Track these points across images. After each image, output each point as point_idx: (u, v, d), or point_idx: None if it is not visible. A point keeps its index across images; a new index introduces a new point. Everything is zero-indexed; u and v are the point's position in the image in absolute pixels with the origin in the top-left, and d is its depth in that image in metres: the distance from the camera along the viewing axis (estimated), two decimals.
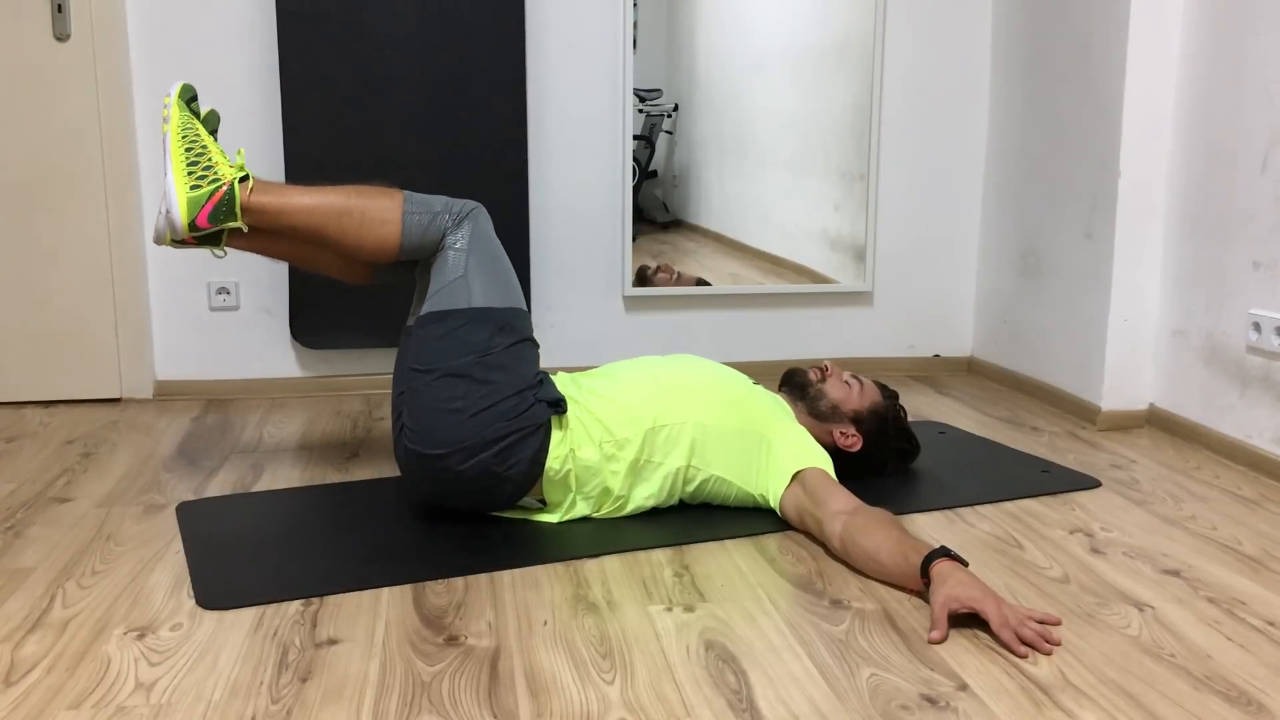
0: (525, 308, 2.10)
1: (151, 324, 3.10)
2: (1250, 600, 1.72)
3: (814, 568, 1.84)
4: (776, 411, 2.09)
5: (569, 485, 1.99)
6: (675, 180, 3.30)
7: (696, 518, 2.05)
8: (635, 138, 3.25)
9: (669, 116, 3.26)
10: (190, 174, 2.01)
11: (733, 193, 3.32)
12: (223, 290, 3.12)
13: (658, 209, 3.31)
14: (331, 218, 2.03)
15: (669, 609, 1.67)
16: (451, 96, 3.04)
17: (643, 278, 3.31)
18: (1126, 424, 2.80)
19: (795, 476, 1.97)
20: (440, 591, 1.73)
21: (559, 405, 1.97)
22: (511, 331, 2.01)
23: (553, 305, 3.29)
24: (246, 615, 1.64)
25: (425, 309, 2.03)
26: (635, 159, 3.26)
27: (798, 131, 3.31)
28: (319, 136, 2.99)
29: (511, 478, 1.94)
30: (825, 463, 2.00)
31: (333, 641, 1.55)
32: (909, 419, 2.34)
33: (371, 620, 1.62)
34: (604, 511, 2.04)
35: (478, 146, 3.07)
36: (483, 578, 1.79)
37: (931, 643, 1.55)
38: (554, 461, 1.96)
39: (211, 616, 1.64)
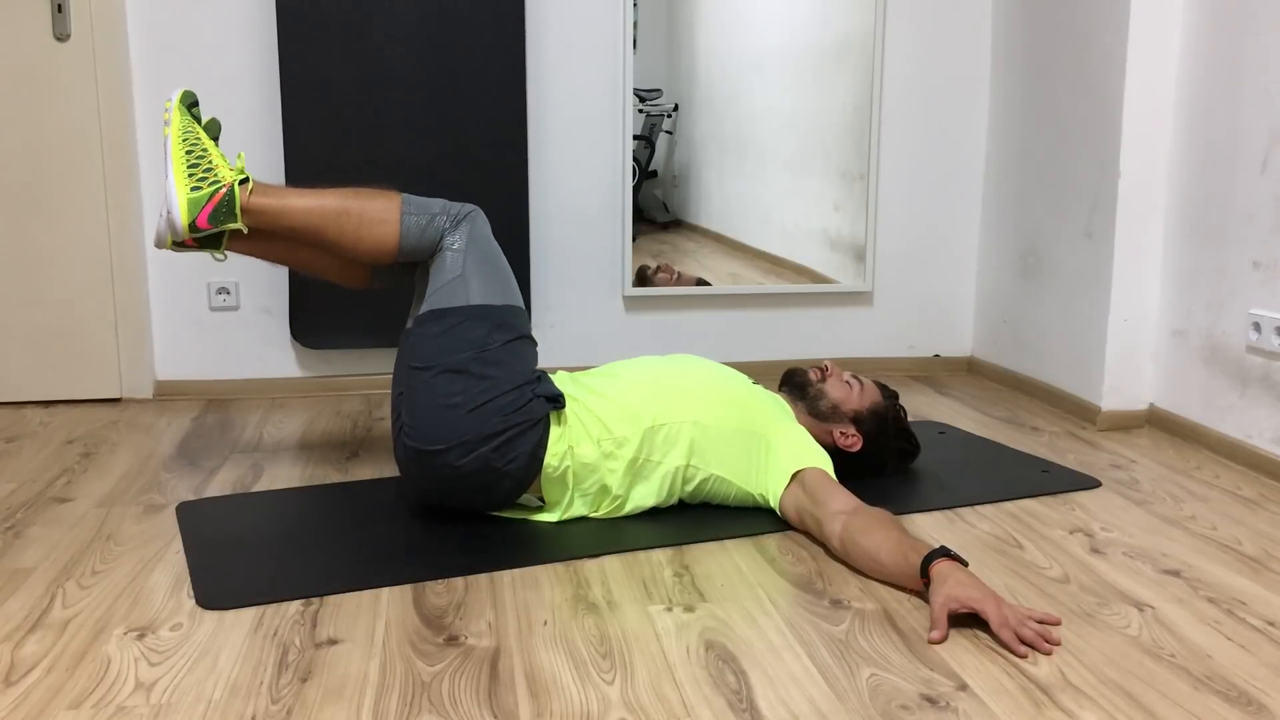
0: (523, 306, 2.10)
1: (151, 324, 3.10)
2: (1250, 600, 1.72)
3: (814, 568, 1.84)
4: (776, 411, 2.09)
5: (567, 483, 1.99)
6: (675, 180, 3.30)
7: (696, 518, 2.05)
8: (635, 138, 3.25)
9: (669, 116, 3.26)
10: (191, 176, 2.03)
11: (733, 193, 3.32)
12: (223, 290, 3.12)
13: (658, 209, 3.31)
14: (330, 218, 2.05)
15: (669, 609, 1.67)
16: (451, 96, 3.04)
17: (643, 278, 3.31)
18: (1126, 424, 2.80)
19: (795, 476, 1.97)
20: (440, 591, 1.73)
21: (557, 401, 1.98)
22: (509, 328, 2.02)
23: (553, 305, 3.29)
24: (246, 615, 1.64)
25: (423, 308, 2.05)
26: (635, 159, 3.26)
27: (798, 131, 3.31)
28: (319, 137, 2.99)
29: (510, 473, 1.94)
30: (825, 463, 2.00)
31: (333, 641, 1.55)
32: (909, 419, 2.34)
33: (371, 620, 1.62)
34: (602, 511, 2.04)
35: (478, 146, 3.07)
36: (483, 578, 1.79)
37: (931, 643, 1.55)
38: (552, 458, 1.96)
39: (211, 616, 1.64)
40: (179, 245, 2.09)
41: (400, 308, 2.26)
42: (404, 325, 2.12)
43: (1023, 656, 1.51)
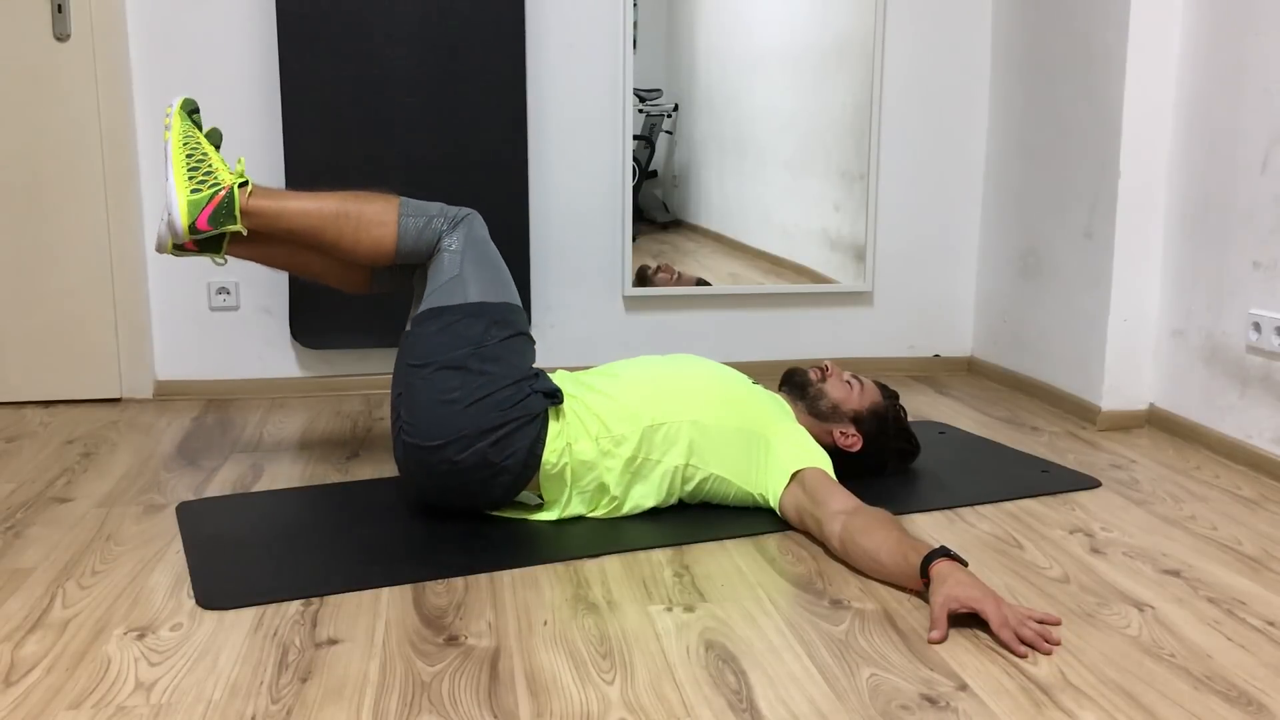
0: (520, 305, 2.11)
1: (151, 324, 3.10)
2: (1250, 600, 1.72)
3: (814, 568, 1.84)
4: (776, 411, 2.09)
5: (565, 480, 1.99)
6: (675, 180, 3.30)
7: (696, 518, 2.05)
8: (635, 138, 3.25)
9: (669, 116, 3.26)
10: (191, 178, 2.05)
11: (733, 193, 3.32)
12: (223, 290, 3.12)
13: (658, 209, 3.31)
14: (329, 220, 2.08)
15: (669, 609, 1.67)
16: (451, 97, 3.04)
17: (643, 278, 3.31)
18: (1126, 424, 2.80)
19: (794, 476, 1.97)
20: (440, 591, 1.73)
21: (555, 396, 1.98)
22: (507, 325, 2.03)
23: (553, 305, 3.29)
24: (246, 615, 1.64)
25: (421, 308, 2.06)
26: (635, 159, 3.26)
27: (798, 131, 3.31)
28: (319, 136, 2.99)
29: (509, 468, 1.94)
30: (824, 463, 2.01)
31: (333, 641, 1.55)
32: (909, 419, 2.34)
33: (371, 620, 1.62)
34: (599, 511, 2.04)
35: (478, 146, 3.07)
36: (483, 578, 1.79)
37: (931, 643, 1.55)
38: (550, 455, 1.96)
39: (211, 616, 1.64)
40: (179, 249, 2.11)
41: (400, 308, 2.26)
42: (403, 327, 2.12)
43: (1023, 656, 1.51)
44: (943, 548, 1.67)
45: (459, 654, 1.52)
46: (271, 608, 1.66)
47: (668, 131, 3.27)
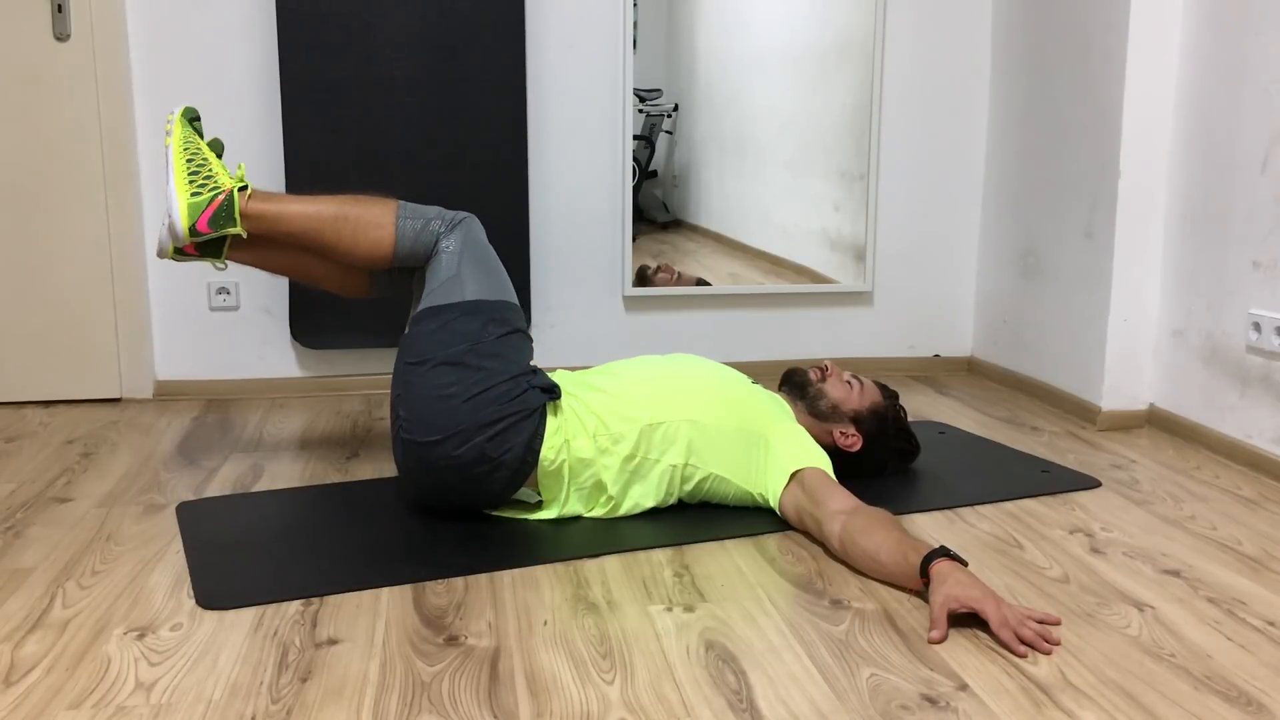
0: (518, 304, 2.12)
1: (151, 324, 3.10)
2: (1250, 600, 1.72)
3: (814, 568, 1.84)
4: (775, 411, 2.09)
5: (562, 476, 2.00)
6: (675, 180, 3.30)
7: (696, 518, 2.05)
8: (635, 138, 3.25)
9: (669, 116, 3.26)
10: (191, 182, 2.07)
11: (733, 193, 3.32)
12: (223, 290, 3.12)
13: (658, 209, 3.31)
14: (327, 223, 2.10)
15: (669, 609, 1.67)
16: (451, 97, 3.04)
17: (643, 278, 3.31)
18: (1126, 424, 2.80)
19: (794, 476, 1.97)
20: (440, 591, 1.73)
21: (553, 391, 1.99)
22: (504, 323, 2.04)
23: (553, 305, 3.29)
24: (246, 615, 1.64)
25: (419, 307, 2.08)
26: (635, 159, 3.26)
27: (798, 131, 3.31)
28: (319, 137, 2.99)
29: (506, 463, 1.94)
30: (824, 462, 2.01)
31: (333, 641, 1.55)
32: (909, 419, 2.34)
33: (371, 620, 1.62)
34: (597, 510, 2.04)
35: (478, 147, 3.07)
36: (483, 578, 1.79)
37: (931, 643, 1.55)
38: (549, 451, 1.96)
39: (211, 616, 1.64)
40: (180, 253, 2.13)
41: (400, 308, 2.26)
42: (403, 328, 2.12)
43: (1022, 656, 1.51)
44: (942, 547, 1.67)
45: (459, 654, 1.52)
46: (271, 608, 1.66)
47: (668, 131, 3.27)
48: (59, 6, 2.87)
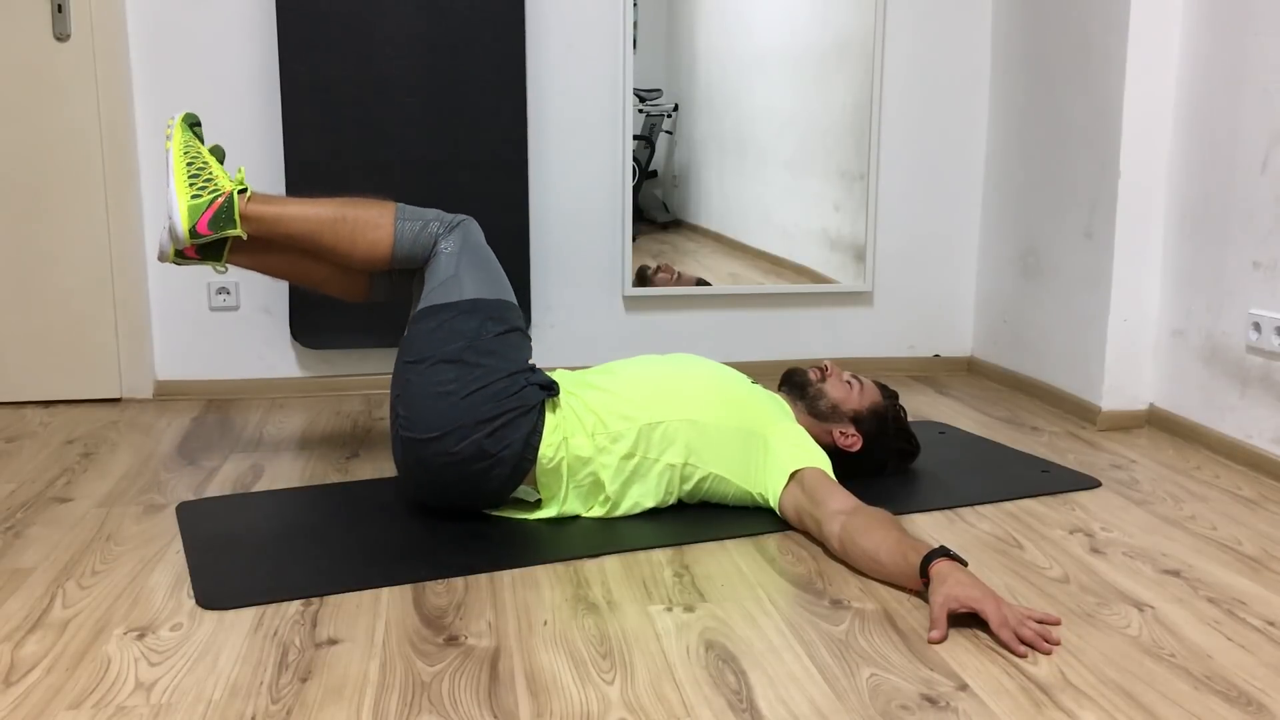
0: (516, 303, 2.13)
1: (151, 324, 3.10)
2: (1250, 600, 1.72)
3: (814, 568, 1.84)
4: (775, 411, 2.09)
5: (561, 474, 2.00)
6: (675, 180, 3.30)
7: (696, 518, 2.05)
8: (635, 138, 3.25)
9: (669, 116, 3.26)
10: (191, 185, 2.09)
11: (733, 193, 3.32)
12: (223, 290, 3.12)
13: (658, 209, 3.31)
14: (326, 225, 2.12)
15: (669, 609, 1.67)
16: (451, 97, 3.04)
17: (643, 278, 3.31)
18: (1126, 424, 2.80)
19: (793, 476, 1.97)
20: (440, 591, 1.73)
21: (550, 388, 2.00)
22: (502, 321, 2.05)
23: (553, 305, 3.30)
24: (246, 615, 1.64)
25: (418, 308, 2.08)
26: (635, 159, 3.26)
27: (798, 131, 3.31)
28: (319, 137, 2.99)
29: (505, 459, 1.94)
30: (823, 462, 2.01)
31: (333, 641, 1.55)
32: (909, 419, 2.34)
33: (371, 620, 1.62)
34: (595, 510, 2.04)
35: (478, 147, 3.07)
36: (483, 578, 1.79)
37: (931, 643, 1.55)
38: (547, 449, 1.97)
39: (211, 616, 1.64)
40: (180, 256, 2.15)
41: (400, 308, 2.26)
42: (403, 328, 2.13)
43: (1022, 656, 1.51)
44: (942, 547, 1.67)
45: (459, 654, 1.52)
46: (271, 608, 1.66)
47: (668, 131, 3.27)
48: (59, 6, 2.87)
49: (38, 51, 2.88)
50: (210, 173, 2.11)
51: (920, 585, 1.67)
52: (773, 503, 2.00)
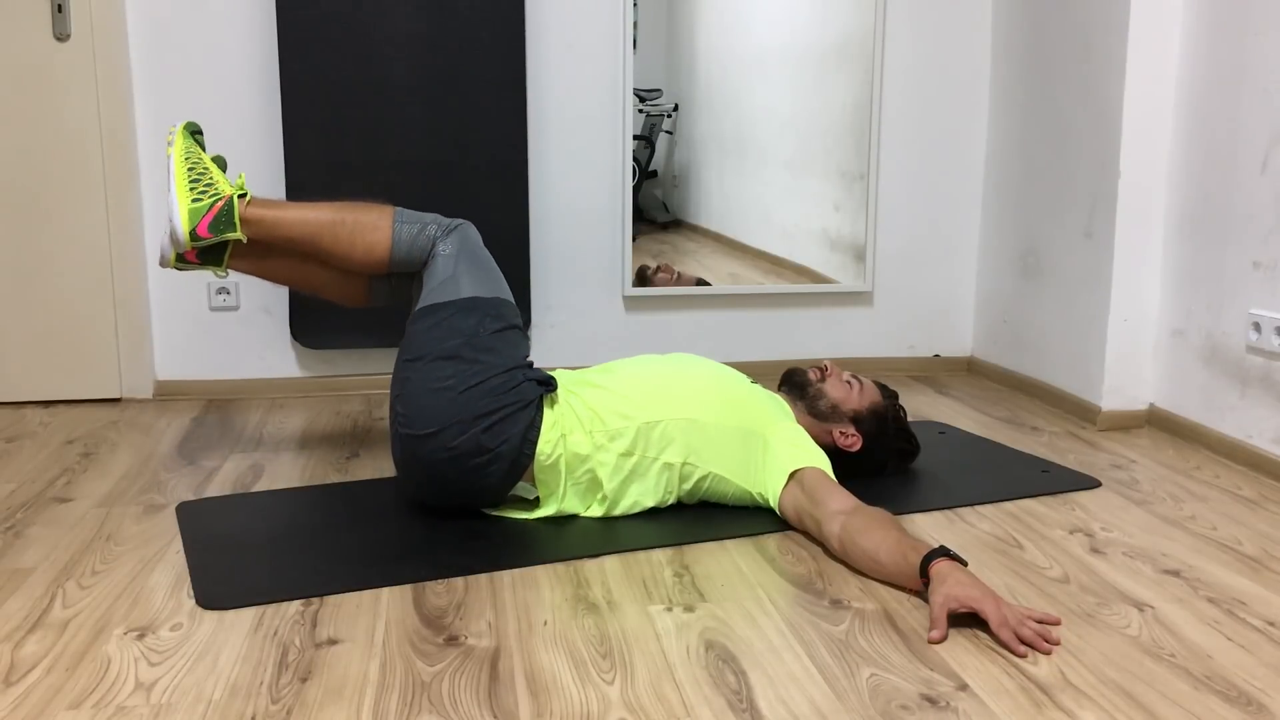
0: (513, 302, 2.14)
1: (151, 324, 3.10)
2: (1250, 600, 1.72)
3: (814, 568, 1.84)
4: (775, 411, 2.09)
5: (559, 471, 2.00)
6: (675, 180, 3.30)
7: (696, 518, 2.05)
8: (635, 138, 3.25)
9: (669, 116, 3.26)
10: (192, 189, 2.13)
11: (733, 193, 3.32)
12: (223, 290, 3.12)
13: (658, 209, 3.31)
14: (325, 228, 2.15)
15: (669, 609, 1.67)
16: (451, 97, 3.04)
17: (643, 278, 3.31)
18: (1126, 424, 2.80)
19: (793, 476, 1.97)
20: (440, 591, 1.73)
21: (548, 384, 2.02)
22: (499, 318, 2.06)
23: (553, 305, 3.29)
24: (246, 615, 1.64)
25: (416, 308, 2.10)
26: (635, 159, 3.26)
27: (798, 131, 3.31)
28: (319, 137, 2.99)
29: (502, 454, 1.94)
30: (823, 462, 2.01)
31: (333, 641, 1.55)
32: (909, 419, 2.34)
33: (371, 620, 1.62)
34: (593, 509, 2.04)
35: (478, 146, 3.07)
36: (483, 578, 1.79)
37: (931, 642, 1.55)
38: (545, 445, 1.97)
39: (211, 616, 1.64)
40: (182, 261, 2.17)
41: (401, 307, 2.26)
42: (403, 329, 2.14)
43: (1022, 656, 1.51)
44: (942, 547, 1.67)
45: (459, 654, 1.52)
46: (271, 608, 1.66)
47: (668, 131, 3.27)
48: (59, 6, 2.87)
49: (38, 51, 2.88)
50: (211, 178, 2.14)
51: (920, 585, 1.67)
52: (772, 503, 2.00)
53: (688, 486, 2.05)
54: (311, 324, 3.10)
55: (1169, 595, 1.74)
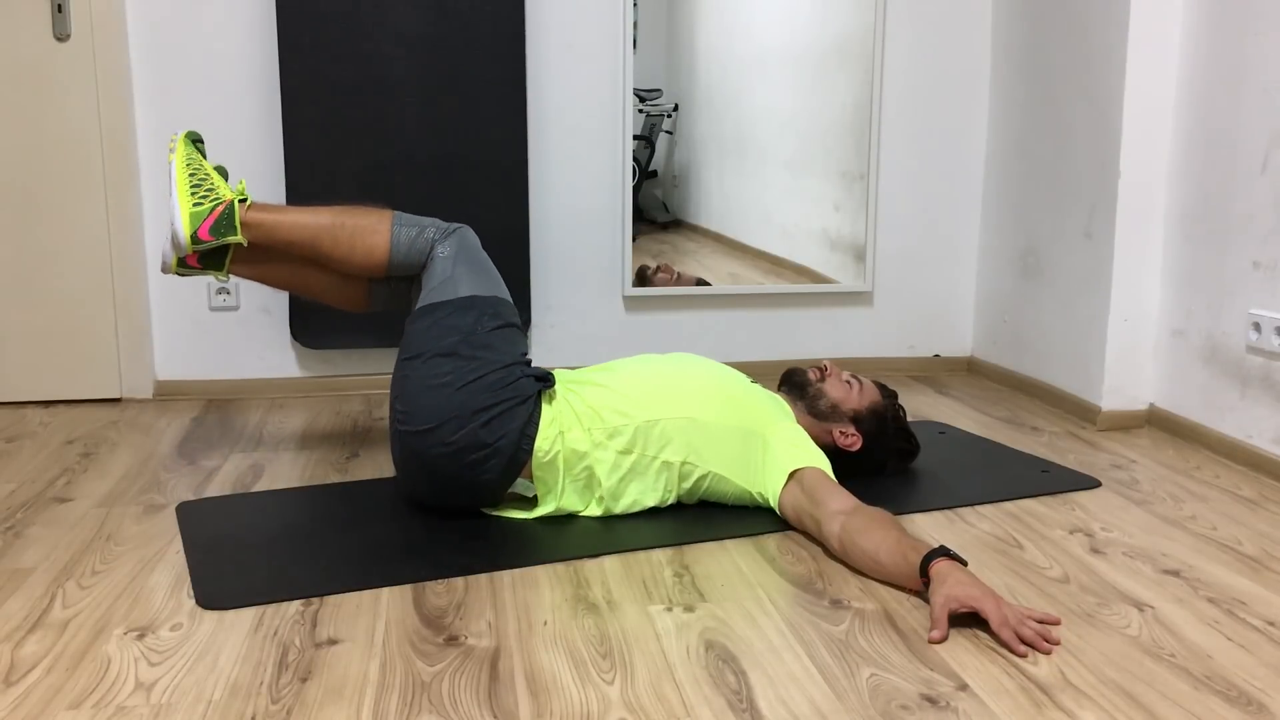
0: (511, 302, 2.15)
1: (151, 324, 3.10)
2: (1250, 600, 1.72)
3: (814, 568, 1.84)
4: (774, 410, 2.09)
5: (557, 467, 2.01)
6: (675, 180, 3.30)
7: (696, 518, 2.05)
8: (635, 138, 3.25)
9: (669, 116, 3.26)
10: (194, 194, 2.15)
11: (733, 193, 3.32)
12: (223, 290, 3.12)
13: (658, 209, 3.31)
14: (325, 231, 2.17)
15: (669, 609, 1.67)
16: (451, 97, 3.04)
17: (643, 278, 3.31)
18: (1126, 424, 2.80)
19: (793, 476, 1.97)
20: (440, 591, 1.73)
21: (546, 380, 2.03)
22: (497, 316, 2.07)
23: (553, 305, 3.29)
24: (246, 615, 1.64)
25: (414, 308, 2.11)
26: (635, 159, 3.26)
27: (798, 131, 3.31)
28: (319, 137, 2.99)
29: (500, 449, 1.94)
30: (823, 462, 2.01)
31: (333, 641, 1.55)
32: (909, 419, 2.34)
33: (371, 620, 1.62)
34: (592, 507, 2.04)
35: (478, 147, 3.07)
36: (483, 578, 1.79)
37: (931, 642, 1.55)
38: (543, 441, 1.97)
39: (211, 616, 1.64)
40: (183, 266, 2.20)
41: (401, 307, 2.27)
42: (402, 329, 2.14)
43: (1022, 656, 1.51)
44: (942, 547, 1.67)
45: (459, 654, 1.52)
46: (271, 608, 1.66)
47: (668, 131, 3.27)
48: (59, 6, 2.87)
49: (38, 51, 2.88)
50: (212, 183, 2.17)
51: (920, 585, 1.67)
52: (772, 502, 2.00)
53: (687, 486, 2.05)
54: (311, 324, 3.10)
55: (1169, 595, 1.74)
